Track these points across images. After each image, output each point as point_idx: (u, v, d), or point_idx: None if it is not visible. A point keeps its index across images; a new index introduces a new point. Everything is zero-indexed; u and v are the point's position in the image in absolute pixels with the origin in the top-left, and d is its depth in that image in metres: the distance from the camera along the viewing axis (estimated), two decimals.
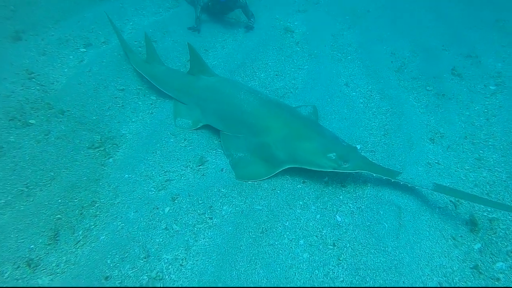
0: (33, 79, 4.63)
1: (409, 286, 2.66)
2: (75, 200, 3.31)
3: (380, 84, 4.90)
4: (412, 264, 2.81)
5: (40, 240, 2.99)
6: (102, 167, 3.68)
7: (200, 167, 3.71)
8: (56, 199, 3.28)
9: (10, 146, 3.69)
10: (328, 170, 3.37)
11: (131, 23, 6.02)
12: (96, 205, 3.32)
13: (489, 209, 3.33)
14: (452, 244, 3.07)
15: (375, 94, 4.77)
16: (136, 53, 5.00)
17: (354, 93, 4.80)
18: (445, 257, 2.96)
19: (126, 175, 3.58)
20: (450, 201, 3.40)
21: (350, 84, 4.94)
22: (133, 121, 4.27)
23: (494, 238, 3.09)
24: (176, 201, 3.30)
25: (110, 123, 4.18)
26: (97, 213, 3.25)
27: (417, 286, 2.70)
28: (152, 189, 3.46)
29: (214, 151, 3.90)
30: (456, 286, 2.75)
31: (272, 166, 3.50)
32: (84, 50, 5.35)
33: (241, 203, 3.34)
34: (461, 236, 3.13)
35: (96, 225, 3.16)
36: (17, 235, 3.00)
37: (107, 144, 3.94)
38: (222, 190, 3.41)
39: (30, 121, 3.99)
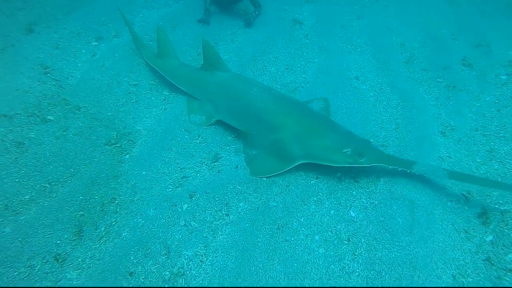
0: (48, 74, 4.66)
1: (423, 279, 2.73)
2: (96, 197, 3.39)
3: (391, 77, 4.88)
4: (426, 258, 2.87)
5: (66, 236, 3.08)
6: (120, 163, 3.74)
7: (215, 163, 3.76)
8: (78, 196, 3.36)
9: (31, 143, 3.75)
10: (345, 165, 3.41)
11: (140, 16, 5.99)
12: (116, 202, 3.39)
13: (500, 201, 3.37)
14: (465, 237, 3.12)
15: (385, 87, 4.76)
16: (148, 48, 4.99)
17: (365, 87, 4.79)
18: (458, 250, 3.02)
19: (144, 172, 3.64)
20: (462, 194, 3.44)
21: (361, 77, 4.93)
22: (147, 117, 4.30)
23: (506, 230, 3.14)
24: (193, 198, 3.37)
25: (125, 119, 4.22)
26: (118, 209, 3.33)
27: (432, 279, 2.77)
28: (170, 186, 3.53)
29: (227, 147, 3.94)
30: (469, 280, 2.81)
31: (287, 162, 3.53)
32: (96, 43, 5.35)
33: (257, 200, 3.40)
34: (473, 229, 3.18)
35: (117, 222, 3.24)
36: (44, 230, 3.09)
37: (123, 140, 3.99)
38: (238, 187, 3.47)
39: (48, 117, 4.04)
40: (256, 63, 5.04)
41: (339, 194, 3.47)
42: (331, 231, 3.17)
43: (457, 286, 2.77)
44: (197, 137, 4.04)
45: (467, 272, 2.87)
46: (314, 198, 3.44)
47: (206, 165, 3.76)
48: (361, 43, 5.53)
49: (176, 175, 3.64)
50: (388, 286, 2.71)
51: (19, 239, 3.00)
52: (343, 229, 3.18)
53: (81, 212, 3.24)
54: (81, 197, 3.34)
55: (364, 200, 3.39)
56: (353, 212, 3.30)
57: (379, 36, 5.65)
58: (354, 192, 3.48)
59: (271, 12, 6.09)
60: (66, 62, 4.95)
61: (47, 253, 2.95)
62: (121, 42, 5.32)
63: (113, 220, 3.25)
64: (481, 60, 5.14)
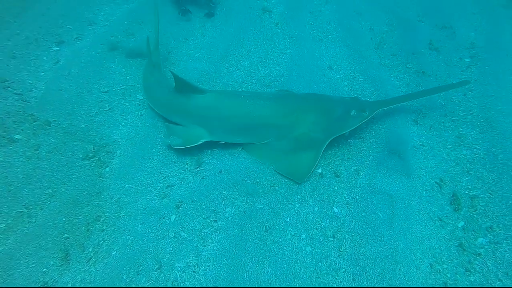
0: (9, 88, 4.44)
1: (404, 272, 2.97)
2: (80, 217, 3.40)
3: (363, 64, 5.01)
4: (405, 250, 3.12)
5: (52, 262, 3.10)
6: (101, 178, 3.73)
7: (198, 169, 3.82)
8: (60, 218, 3.36)
9: (0, 167, 3.66)
10: (357, 125, 3.84)
11: (102, 14, 5.76)
12: (102, 219, 3.42)
13: (469, 187, 3.66)
14: (439, 225, 3.39)
15: (358, 75, 4.89)
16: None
17: (339, 76, 4.91)
18: (434, 238, 3.28)
19: (127, 185, 3.67)
20: (435, 182, 3.70)
21: (334, 66, 5.03)
22: (124, 125, 4.25)
23: (475, 215, 3.43)
24: (180, 208, 3.45)
25: (100, 130, 4.17)
26: (104, 227, 3.36)
27: (411, 270, 3.02)
28: (155, 197, 3.58)
29: (209, 151, 3.99)
30: (444, 267, 3.09)
31: (318, 149, 3.70)
32: (57, 48, 5.14)
33: (243, 204, 3.52)
34: (447, 216, 3.45)
35: (105, 240, 3.28)
36: (27, 260, 3.08)
37: (101, 152, 3.96)
38: (224, 192, 3.57)
39: (15, 136, 3.91)
40: (229, 59, 5.03)
41: (321, 191, 3.64)
42: (316, 229, 3.36)
43: (440, 278, 3.03)
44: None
45: (442, 259, 3.15)
46: (298, 197, 3.60)
47: (189, 171, 3.82)
48: (331, 29, 5.60)
49: (161, 185, 3.69)
50: (372, 280, 2.94)
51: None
52: (328, 225, 3.37)
53: (66, 235, 3.25)
54: (63, 219, 3.34)
55: (346, 196, 3.58)
56: (336, 208, 3.49)
57: (348, 21, 5.73)
58: (336, 188, 3.67)
59: (239, 1, 6.02)
60: (26, 73, 4.70)
61: (33, 284, 2.95)
62: (85, 45, 5.14)
63: (100, 239, 3.28)
64: (446, 43, 5.35)
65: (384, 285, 2.89)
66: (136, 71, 4.88)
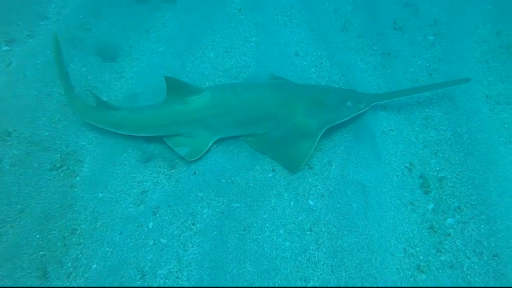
0: None
1: (380, 261, 3.14)
2: (54, 232, 3.36)
3: (329, 49, 5.05)
4: (380, 239, 3.29)
5: (30, 282, 3.08)
6: (72, 189, 3.67)
7: (172, 171, 3.82)
8: (34, 235, 3.31)
9: None
10: (352, 115, 4.00)
11: (53, 6, 5.45)
12: (78, 232, 3.40)
13: (438, 169, 3.85)
14: (411, 209, 3.58)
15: (325, 61, 4.94)
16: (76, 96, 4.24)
17: (305, 63, 4.94)
18: (406, 223, 3.47)
19: (100, 194, 3.63)
20: (406, 166, 3.87)
21: (300, 52, 5.04)
22: (90, 130, 4.13)
23: (444, 196, 3.64)
24: (157, 215, 3.47)
25: (66, 137, 4.05)
26: (81, 240, 3.35)
27: (387, 257, 3.20)
28: (131, 205, 3.58)
29: None
30: (417, 250, 3.29)
31: (313, 138, 3.81)
32: (8, 48, 4.87)
33: (220, 204, 3.58)
34: (417, 200, 3.64)
35: (84, 254, 3.27)
36: (2, 282, 3.04)
37: (69, 161, 3.87)
38: (200, 194, 3.61)
39: None
40: (194, 51, 4.93)
41: (296, 184, 3.74)
42: (293, 223, 3.47)
43: (414, 261, 3.22)
44: (148, 144, 4.01)
45: (415, 243, 3.35)
46: (274, 192, 3.69)
47: (163, 174, 3.81)
48: (296, 13, 5.56)
49: (135, 191, 3.68)
50: (350, 271, 3.10)
51: None
52: (305, 219, 3.49)
53: (42, 252, 3.22)
54: (37, 235, 3.30)
55: (320, 188, 3.69)
56: (312, 201, 3.61)
57: (312, 3, 5.70)
58: (310, 180, 3.77)
59: None
60: None
61: None
62: (39, 44, 4.88)
63: (78, 252, 3.27)
64: (410, 21, 5.44)
65: (362, 275, 3.06)
66: (98, 70, 4.72)
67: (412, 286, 3.09)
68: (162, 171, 3.83)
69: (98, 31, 5.11)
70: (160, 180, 3.76)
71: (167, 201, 3.56)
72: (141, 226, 3.40)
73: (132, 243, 3.30)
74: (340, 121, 3.96)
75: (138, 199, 3.62)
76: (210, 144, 3.88)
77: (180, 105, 3.81)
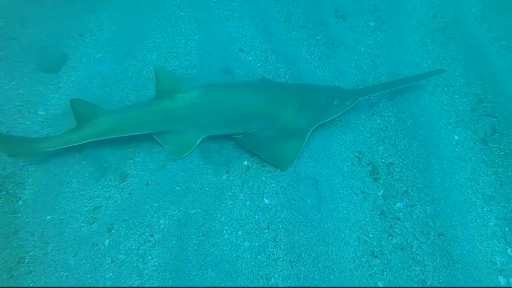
0: None
1: (336, 251, 3.42)
2: None
3: (273, 42, 5.23)
4: (335, 230, 3.56)
5: None
6: (15, 215, 3.63)
7: (124, 183, 3.87)
8: None
9: None
10: (340, 113, 4.26)
11: None
12: (26, 260, 3.38)
13: (385, 155, 4.17)
14: (362, 198, 3.87)
15: (270, 54, 5.12)
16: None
17: (251, 58, 5.09)
18: (359, 211, 3.77)
19: (48, 217, 3.62)
20: (355, 156, 4.16)
21: (245, 48, 5.19)
22: None
23: (392, 182, 3.97)
24: (113, 231, 3.53)
25: (1, 158, 3.95)
26: (31, 268, 3.34)
27: (342, 247, 3.48)
28: (83, 224, 3.60)
29: (130, 161, 4.04)
30: (370, 236, 3.60)
31: (302, 137, 4.04)
32: None
33: (176, 212, 3.69)
34: (368, 188, 3.94)
35: (35, 282, 3.28)
36: None
37: (8, 185, 3.80)
38: (155, 205, 3.70)
39: None
40: (134, 55, 4.93)
41: (250, 183, 3.93)
42: (251, 223, 3.67)
43: (368, 247, 3.52)
44: (93, 158, 4.01)
45: (367, 230, 3.65)
46: (229, 193, 3.86)
47: (115, 187, 3.85)
48: (237, 6, 5.68)
49: (86, 208, 3.70)
50: (308, 265, 3.35)
51: None
52: (261, 218, 3.69)
53: None
54: None
55: (274, 185, 3.90)
56: (267, 199, 3.81)
57: None
58: (263, 178, 3.97)
59: None
60: None
61: None
62: None
63: (29, 282, 3.27)
64: (351, 8, 5.72)
65: (319, 268, 3.32)
66: (30, 82, 4.61)
67: (367, 271, 3.40)
68: (113, 185, 3.87)
69: (24, 39, 4.95)
70: (112, 195, 3.81)
71: (122, 215, 3.63)
72: (97, 245, 3.46)
73: (89, 264, 3.35)
74: (328, 119, 4.23)
75: (91, 217, 3.65)
76: (197, 143, 4.06)
77: (169, 102, 3.96)
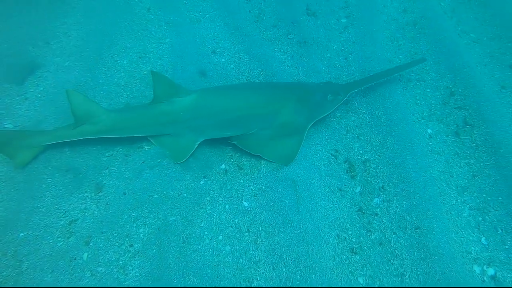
0: None
1: (316, 251, 3.53)
2: None
3: (246, 42, 5.30)
4: (314, 230, 3.67)
5: None
6: None
7: (100, 194, 3.89)
8: None
9: None
10: (334, 108, 4.42)
11: None
12: None
13: (361, 152, 4.31)
14: (340, 195, 4.00)
15: (243, 55, 5.19)
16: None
17: (224, 60, 5.15)
18: (337, 209, 3.89)
19: (21, 234, 3.61)
20: (331, 154, 4.28)
21: (217, 50, 5.24)
22: None
23: (369, 178, 4.11)
24: (91, 244, 3.55)
25: None
26: None
27: (322, 246, 3.59)
28: (59, 239, 3.61)
29: (106, 171, 4.06)
30: (349, 233, 3.73)
31: (301, 134, 4.19)
32: None
33: (155, 220, 3.74)
34: (345, 185, 4.08)
35: None
36: None
37: None
38: (133, 214, 3.74)
39: None
40: (105, 61, 4.92)
41: (229, 187, 4.01)
42: (231, 226, 3.75)
43: (347, 244, 3.64)
44: (66, 171, 4.02)
45: (346, 227, 3.78)
46: (208, 198, 3.92)
47: (91, 199, 3.86)
48: (208, 7, 5.72)
49: (62, 222, 3.71)
50: (289, 266, 3.45)
51: None
52: (241, 221, 3.78)
53: None
54: None
55: (252, 187, 3.99)
56: (246, 202, 3.90)
57: None
58: (241, 181, 4.05)
59: None
60: None
61: None
62: None
63: None
64: (322, 5, 5.84)
65: (301, 268, 3.43)
66: None
67: (347, 268, 3.53)
68: (89, 196, 3.88)
69: None
70: (89, 206, 3.82)
71: (99, 227, 3.65)
72: (75, 259, 3.47)
73: (67, 279, 3.37)
74: (324, 115, 4.37)
75: (67, 231, 3.66)
76: (195, 146, 4.12)
77: (166, 106, 4.05)
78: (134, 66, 4.97)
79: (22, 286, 3.39)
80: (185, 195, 3.92)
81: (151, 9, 5.59)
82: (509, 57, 5.19)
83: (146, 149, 4.20)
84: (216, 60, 5.13)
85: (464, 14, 5.74)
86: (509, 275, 3.56)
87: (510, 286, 3.50)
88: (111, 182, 3.98)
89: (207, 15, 5.64)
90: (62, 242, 3.59)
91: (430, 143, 4.42)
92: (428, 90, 4.91)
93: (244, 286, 3.40)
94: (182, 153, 4.11)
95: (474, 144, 4.35)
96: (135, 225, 3.70)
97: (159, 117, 4.08)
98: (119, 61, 4.99)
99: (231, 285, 3.41)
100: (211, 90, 4.40)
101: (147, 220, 3.74)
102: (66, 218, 3.74)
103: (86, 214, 3.78)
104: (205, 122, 4.09)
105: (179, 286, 3.37)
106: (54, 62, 4.94)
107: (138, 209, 3.77)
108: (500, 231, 3.80)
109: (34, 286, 3.33)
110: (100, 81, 4.76)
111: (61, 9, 5.49)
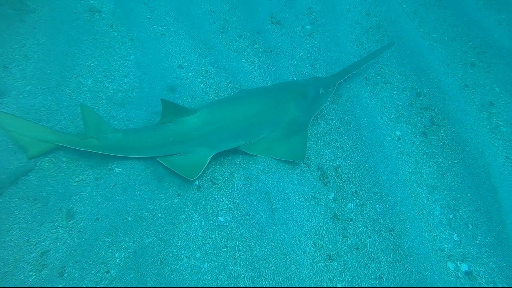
0: None
1: (294, 261, 3.65)
2: None
3: (212, 55, 5.41)
4: (291, 240, 3.79)
5: None
6: None
7: (72, 222, 3.89)
8: None
9: None
10: (328, 100, 4.79)
11: None
12: None
13: (332, 158, 4.47)
14: (314, 203, 4.14)
15: (210, 68, 5.29)
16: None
17: (191, 74, 5.24)
18: (312, 217, 4.02)
19: None
20: (303, 162, 4.42)
21: (184, 64, 5.33)
22: None
23: (341, 184, 4.27)
24: (65, 274, 3.56)
25: None
26: None
27: (299, 256, 3.71)
28: (31, 273, 3.59)
29: (77, 197, 4.07)
30: (325, 240, 3.86)
31: (305, 129, 4.47)
32: None
33: (131, 243, 3.77)
34: (319, 192, 4.22)
35: None
36: None
37: None
38: (107, 240, 3.76)
39: None
40: (68, 83, 4.92)
41: (203, 203, 4.08)
42: (208, 243, 3.82)
43: (324, 252, 3.77)
44: (34, 200, 4.00)
45: (322, 234, 3.92)
46: (183, 216, 3.99)
47: (62, 227, 3.87)
48: (172, 21, 5.81)
49: (33, 255, 3.69)
50: (268, 278, 3.55)
51: None
52: (218, 237, 3.85)
53: None
54: None
55: (227, 202, 4.08)
56: (221, 217, 3.98)
57: (187, 7, 5.98)
58: (216, 196, 4.13)
59: (59, 6, 5.72)
60: None
61: None
62: None
63: None
64: (286, 13, 6.02)
65: (280, 280, 3.53)
66: None
67: (326, 275, 3.65)
68: (60, 225, 3.88)
69: None
70: (60, 236, 3.82)
71: (73, 256, 3.66)
72: None
73: None
74: (320, 108, 4.72)
75: (39, 263, 3.64)
76: (208, 160, 4.20)
77: (175, 126, 4.14)
78: (100, 86, 4.99)
79: (23, 286, 3.45)
80: (160, 215, 3.97)
81: (114, 25, 5.62)
82: (471, 56, 5.48)
83: (117, 171, 4.24)
84: (183, 74, 5.22)
85: (425, 16, 6.01)
86: (481, 269, 3.77)
87: (483, 281, 3.72)
88: (82, 208, 4.00)
89: (172, 29, 5.72)
90: (34, 276, 3.58)
91: (400, 145, 4.62)
92: (395, 92, 5.13)
93: None
94: (195, 169, 4.15)
95: (441, 143, 4.58)
96: (110, 250, 3.72)
97: (168, 138, 4.16)
98: (83, 82, 5.00)
99: None
100: (217, 104, 4.50)
101: (122, 244, 3.77)
102: (37, 250, 3.73)
103: (58, 244, 3.78)
104: (217, 137, 4.22)
105: None
106: (15, 87, 4.88)
107: (112, 234, 3.80)
108: (471, 226, 4.01)
109: None
110: (65, 103, 4.75)
111: (20, 31, 5.45)
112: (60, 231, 3.86)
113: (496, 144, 4.65)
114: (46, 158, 4.28)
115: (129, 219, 3.91)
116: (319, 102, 4.67)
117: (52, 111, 4.65)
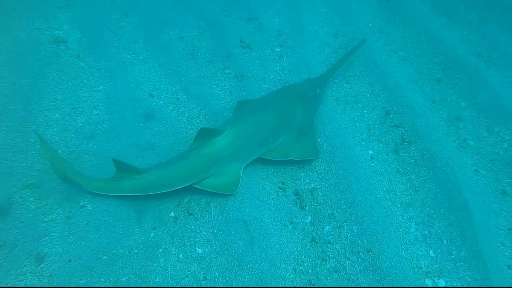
0: None
1: None
2: None
3: (182, 82, 5.47)
4: (271, 268, 3.83)
5: None
6: None
7: (41, 266, 3.82)
8: None
9: None
10: (322, 100, 5.15)
11: None
12: None
13: (307, 181, 4.56)
14: (292, 228, 4.20)
15: (181, 95, 5.35)
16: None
17: (162, 102, 5.28)
18: (290, 243, 4.08)
19: None
20: (279, 187, 4.49)
21: (154, 92, 5.37)
22: None
23: (318, 206, 4.35)
24: None
25: None
26: None
27: (280, 284, 3.76)
28: None
29: (46, 238, 3.98)
30: (305, 265, 3.92)
31: (312, 129, 4.76)
32: None
33: (106, 284, 3.72)
34: (296, 217, 4.28)
35: None
36: None
37: None
38: (81, 282, 3.70)
39: None
40: (34, 118, 4.86)
41: (180, 235, 4.09)
42: (187, 276, 3.82)
43: (304, 277, 3.83)
44: (2, 246, 3.89)
45: (301, 259, 3.97)
46: (160, 250, 3.98)
47: (31, 273, 3.75)
48: (140, 48, 5.86)
49: None
50: None
51: None
52: (197, 269, 3.86)
53: None
54: None
55: (204, 233, 4.10)
56: (199, 248, 3.99)
57: (155, 34, 6.05)
58: (193, 227, 4.15)
59: (22, 38, 5.70)
60: None
61: None
62: None
63: None
64: (256, 36, 6.17)
65: None
66: None
67: None
68: (29, 270, 3.77)
69: None
70: (30, 282, 3.70)
71: None
72: None
73: None
74: (319, 107, 5.09)
75: None
76: (241, 174, 4.43)
77: (207, 149, 4.22)
78: (68, 119, 4.96)
79: (23, 286, 3.48)
80: (135, 251, 3.95)
81: (81, 55, 5.63)
82: (436, 72, 5.73)
83: (89, 208, 4.19)
84: (154, 103, 5.25)
85: (391, 34, 6.27)
86: (458, 284, 3.89)
87: None
88: (53, 250, 3.91)
89: (140, 57, 5.77)
90: None
91: (372, 164, 4.76)
92: (365, 111, 5.30)
93: None
94: (234, 184, 4.35)
95: (413, 160, 4.75)
96: None
97: (204, 162, 4.22)
98: (50, 116, 4.95)
99: None
100: (238, 118, 4.62)
101: (97, 284, 3.72)
102: None
103: None
104: (245, 150, 4.42)
105: None
106: None
107: (86, 275, 3.74)
108: (445, 241, 4.15)
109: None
110: (31, 140, 4.68)
111: None
112: (29, 277, 3.75)
113: (465, 158, 4.85)
114: (12, 199, 4.19)
115: (104, 257, 3.87)
116: (318, 102, 5.03)
117: (17, 149, 4.55)
